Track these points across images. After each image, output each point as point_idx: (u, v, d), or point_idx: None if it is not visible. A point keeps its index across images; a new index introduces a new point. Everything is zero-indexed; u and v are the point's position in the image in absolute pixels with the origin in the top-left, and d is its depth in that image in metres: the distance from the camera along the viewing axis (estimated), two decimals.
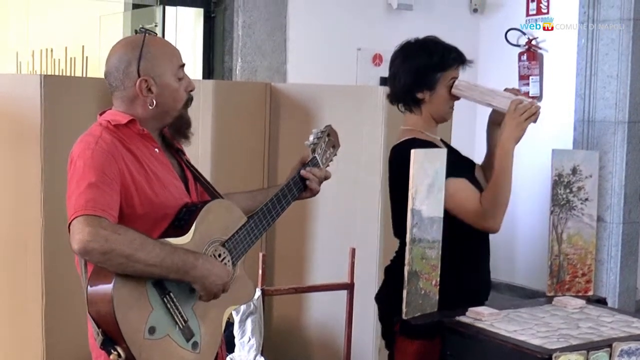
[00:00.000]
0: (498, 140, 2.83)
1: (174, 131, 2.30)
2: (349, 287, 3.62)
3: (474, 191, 2.78)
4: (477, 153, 5.86)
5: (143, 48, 2.18)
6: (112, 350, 1.98)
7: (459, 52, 2.99)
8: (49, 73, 6.33)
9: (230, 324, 3.44)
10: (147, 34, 2.22)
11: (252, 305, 3.45)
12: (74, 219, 1.99)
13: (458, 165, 2.86)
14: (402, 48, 2.97)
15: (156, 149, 2.24)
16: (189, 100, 2.29)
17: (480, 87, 2.95)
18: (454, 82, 2.91)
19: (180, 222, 2.16)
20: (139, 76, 2.18)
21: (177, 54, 2.28)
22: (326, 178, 2.54)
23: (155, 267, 2.00)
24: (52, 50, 6.58)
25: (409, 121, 2.96)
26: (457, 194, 2.77)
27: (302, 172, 2.47)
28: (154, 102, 2.20)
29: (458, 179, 2.79)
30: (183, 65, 2.28)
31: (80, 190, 2.02)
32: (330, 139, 2.61)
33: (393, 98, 2.99)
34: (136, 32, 2.26)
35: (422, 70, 2.89)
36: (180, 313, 2.08)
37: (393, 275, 2.96)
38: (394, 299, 2.81)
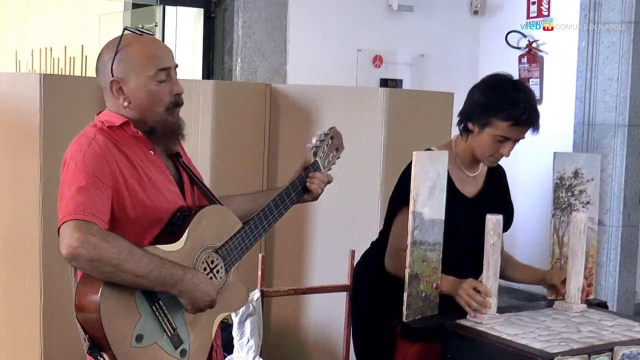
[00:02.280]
0: (452, 284, 2.74)
1: (158, 137, 2.22)
2: (348, 289, 3.61)
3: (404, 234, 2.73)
4: None
5: (118, 48, 2.15)
6: (99, 357, 1.97)
7: (522, 114, 2.75)
8: (48, 72, 6.33)
9: (229, 325, 3.43)
10: (127, 32, 2.18)
11: (251, 307, 3.44)
12: (63, 223, 1.96)
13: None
14: (492, 75, 2.88)
15: (151, 152, 2.21)
16: (172, 104, 2.20)
17: None
18: (501, 138, 2.78)
19: (174, 227, 2.13)
20: (112, 76, 2.15)
21: (159, 56, 2.19)
22: (328, 182, 2.49)
23: (143, 278, 1.97)
24: (51, 50, 6.58)
25: (456, 140, 2.93)
26: (395, 225, 2.86)
27: (308, 183, 2.42)
28: (125, 104, 2.16)
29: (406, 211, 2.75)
30: (166, 68, 2.18)
31: (70, 193, 2.00)
32: (334, 141, 2.55)
33: (458, 115, 2.93)
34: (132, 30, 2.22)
35: (480, 105, 2.80)
36: (169, 321, 2.06)
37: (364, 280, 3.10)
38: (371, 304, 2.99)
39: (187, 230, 2.10)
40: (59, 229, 1.98)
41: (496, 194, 3.00)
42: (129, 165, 2.12)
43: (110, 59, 2.15)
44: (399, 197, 2.86)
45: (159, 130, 2.21)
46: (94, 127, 2.16)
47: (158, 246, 2.05)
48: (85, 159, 2.05)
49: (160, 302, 2.05)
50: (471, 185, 2.93)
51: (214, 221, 2.19)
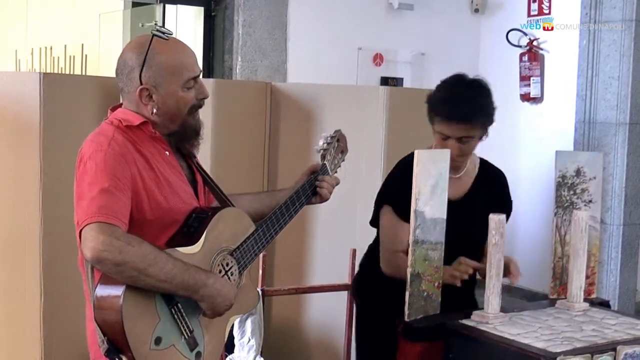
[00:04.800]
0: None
1: (178, 139, 2.23)
2: (349, 288, 3.60)
3: (394, 233, 2.80)
4: (477, 150, 5.87)
5: (147, 54, 2.10)
6: (117, 359, 1.96)
7: (450, 109, 2.75)
8: (48, 71, 6.33)
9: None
10: (155, 37, 2.11)
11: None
12: (87, 225, 1.93)
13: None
14: (451, 75, 2.90)
15: (167, 152, 2.19)
16: (195, 107, 2.22)
17: None
18: (443, 136, 2.79)
19: (190, 228, 2.13)
20: (141, 83, 2.12)
21: (188, 63, 2.17)
22: (336, 184, 2.52)
23: (166, 283, 1.97)
24: (51, 48, 6.58)
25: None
26: (381, 225, 2.92)
27: (317, 187, 2.45)
28: (154, 110, 2.14)
29: (389, 211, 2.85)
30: (196, 76, 2.19)
31: (92, 194, 1.97)
32: (340, 144, 2.57)
33: None
34: (152, 32, 2.16)
35: (428, 104, 2.86)
36: (186, 323, 2.06)
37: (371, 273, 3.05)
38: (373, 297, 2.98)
39: (204, 233, 2.10)
40: (80, 230, 1.95)
41: (486, 197, 2.94)
42: (146, 166, 2.10)
43: (139, 66, 2.10)
44: (381, 195, 2.91)
45: (180, 131, 2.21)
46: (111, 125, 2.13)
47: (177, 249, 2.05)
48: (106, 159, 2.02)
49: (179, 305, 2.04)
50: (456, 186, 2.87)
51: (230, 224, 2.20)
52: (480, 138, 2.85)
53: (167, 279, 1.96)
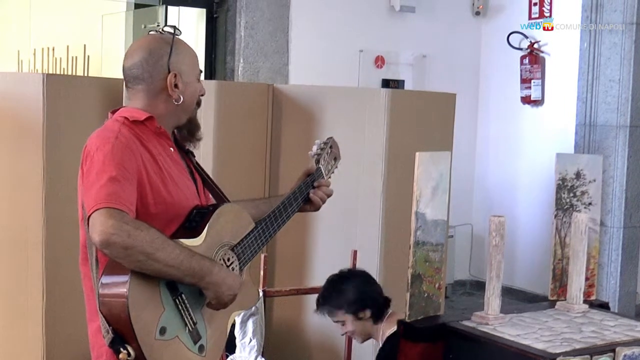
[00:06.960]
0: None
1: (186, 133, 2.29)
2: None
3: None
4: (477, 153, 5.88)
5: (173, 44, 2.18)
6: (122, 349, 1.97)
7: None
8: (50, 72, 6.34)
9: (231, 325, 3.43)
10: (175, 34, 2.22)
11: (253, 307, 3.44)
12: (95, 211, 1.95)
13: None
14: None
15: (171, 148, 2.23)
16: (198, 103, 2.29)
17: None
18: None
19: (192, 223, 2.15)
20: (169, 70, 2.17)
21: (197, 58, 2.30)
22: (329, 195, 2.54)
23: (173, 268, 1.98)
24: (53, 49, 6.59)
25: None
26: None
27: (311, 193, 2.47)
28: (181, 98, 2.19)
29: None
30: (202, 71, 2.31)
31: (100, 183, 1.99)
32: (333, 150, 2.61)
33: None
34: (160, 31, 2.24)
35: None
36: (190, 315, 2.08)
37: None
38: None
39: (206, 227, 2.12)
40: (89, 216, 1.97)
41: None
42: (151, 160, 2.13)
43: (167, 53, 2.16)
44: None
45: (188, 124, 2.27)
46: (116, 122, 2.16)
47: (180, 240, 2.06)
48: (114, 150, 2.04)
49: (182, 295, 2.06)
50: None
51: (230, 219, 2.22)
52: (356, 318, 3.20)
53: (174, 264, 1.98)
